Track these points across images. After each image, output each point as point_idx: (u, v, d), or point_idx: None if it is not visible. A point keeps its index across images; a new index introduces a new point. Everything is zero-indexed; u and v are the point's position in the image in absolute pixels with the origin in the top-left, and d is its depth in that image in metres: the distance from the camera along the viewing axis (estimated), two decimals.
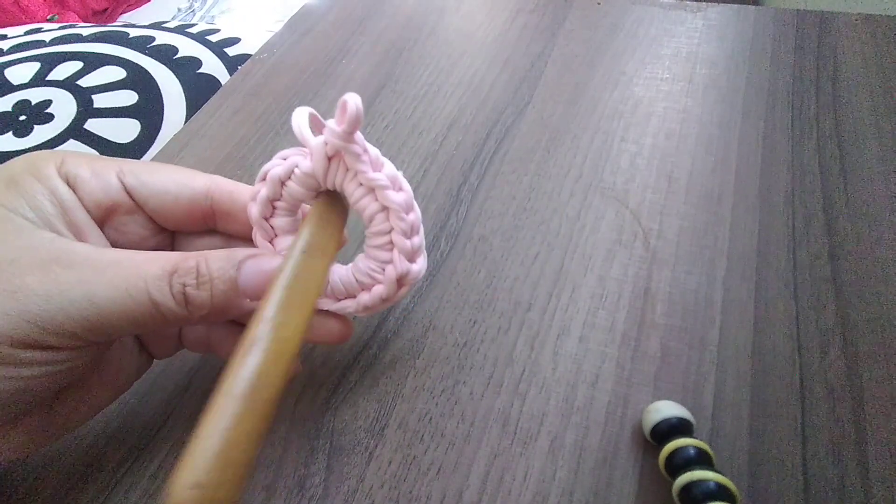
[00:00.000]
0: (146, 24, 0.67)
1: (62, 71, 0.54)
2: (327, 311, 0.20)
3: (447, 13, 0.41)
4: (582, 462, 0.20)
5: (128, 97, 0.52)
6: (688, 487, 0.17)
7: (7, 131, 0.48)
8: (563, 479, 0.19)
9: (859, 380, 0.21)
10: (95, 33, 0.60)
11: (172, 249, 0.21)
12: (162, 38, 0.61)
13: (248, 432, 0.13)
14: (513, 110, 0.33)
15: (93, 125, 0.49)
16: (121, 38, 0.59)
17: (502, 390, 0.22)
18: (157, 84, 0.54)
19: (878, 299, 0.23)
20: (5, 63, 0.55)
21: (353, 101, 0.16)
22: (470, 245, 0.27)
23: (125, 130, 0.50)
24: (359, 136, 0.17)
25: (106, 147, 0.48)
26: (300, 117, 0.18)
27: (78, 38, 0.59)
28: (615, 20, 0.38)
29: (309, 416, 0.22)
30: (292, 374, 0.20)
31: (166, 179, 0.19)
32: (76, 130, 0.48)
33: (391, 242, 0.18)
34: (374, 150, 0.18)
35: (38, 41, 0.59)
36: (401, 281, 0.19)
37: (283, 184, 0.19)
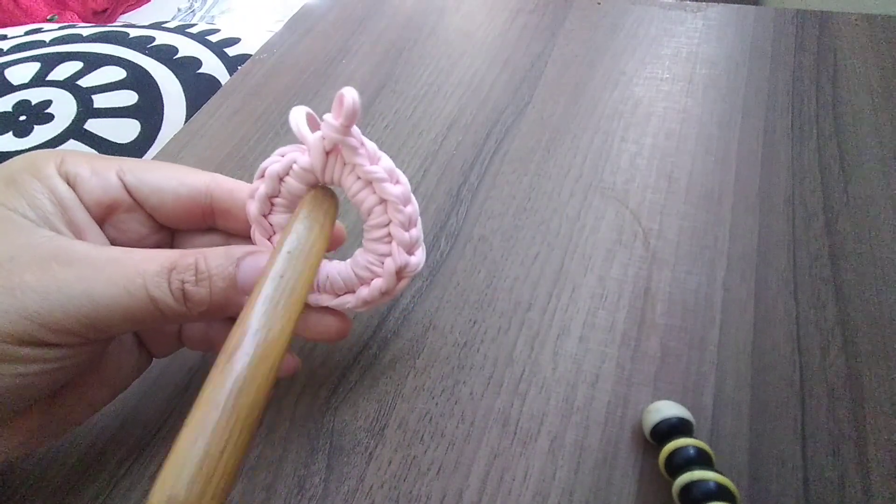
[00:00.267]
0: (146, 24, 0.67)
1: (62, 71, 0.54)
2: (325, 307, 0.20)
3: (447, 13, 0.41)
4: (582, 462, 0.20)
5: (128, 97, 0.52)
6: (688, 487, 0.17)
7: (7, 131, 0.48)
8: (563, 479, 0.19)
9: (859, 380, 0.20)
10: (95, 33, 0.60)
11: (172, 248, 0.21)
12: (162, 38, 0.61)
13: (232, 443, 0.12)
14: (513, 110, 0.33)
15: (93, 125, 0.49)
16: (121, 39, 0.59)
17: (502, 390, 0.22)
18: (157, 84, 0.54)
19: (878, 299, 0.23)
20: (5, 63, 0.55)
21: (349, 94, 0.16)
22: (470, 245, 0.27)
23: (125, 130, 0.50)
24: (356, 129, 0.17)
25: (106, 147, 0.48)
26: (298, 115, 0.18)
27: (78, 39, 0.59)
28: (615, 20, 0.38)
29: (309, 416, 0.22)
30: (290, 372, 0.20)
31: (166, 177, 0.19)
32: (76, 130, 0.48)
33: (389, 235, 0.18)
34: (371, 144, 0.18)
35: (38, 41, 0.59)
36: (400, 273, 0.19)
37: (281, 180, 0.19)
